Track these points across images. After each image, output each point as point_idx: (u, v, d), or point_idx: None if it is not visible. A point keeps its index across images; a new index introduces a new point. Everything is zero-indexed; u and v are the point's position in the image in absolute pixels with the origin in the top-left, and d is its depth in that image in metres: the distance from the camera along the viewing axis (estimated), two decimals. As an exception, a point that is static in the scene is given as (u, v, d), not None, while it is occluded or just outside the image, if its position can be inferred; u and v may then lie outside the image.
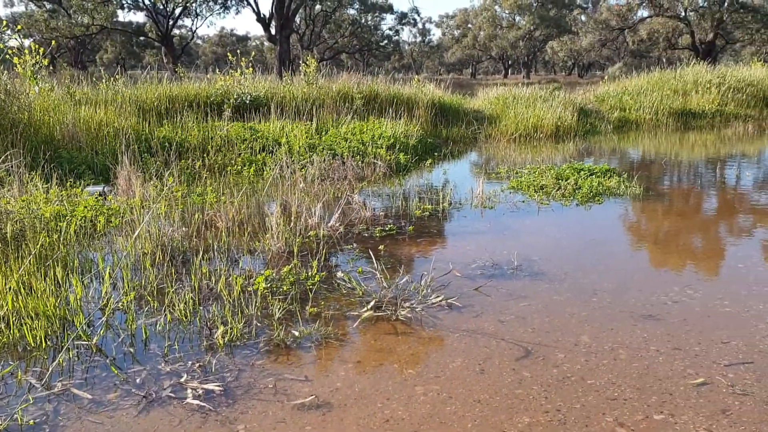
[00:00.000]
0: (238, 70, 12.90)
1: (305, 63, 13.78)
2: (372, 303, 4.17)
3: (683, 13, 43.79)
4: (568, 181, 8.24)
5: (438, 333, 3.85)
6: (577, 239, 6.03)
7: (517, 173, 9.23)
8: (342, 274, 4.66)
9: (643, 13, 47.90)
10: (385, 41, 60.48)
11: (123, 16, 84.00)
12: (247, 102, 12.04)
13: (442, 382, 3.25)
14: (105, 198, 6.94)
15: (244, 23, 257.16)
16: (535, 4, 57.47)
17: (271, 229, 5.43)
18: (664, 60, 56.96)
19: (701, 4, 43.32)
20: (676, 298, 4.38)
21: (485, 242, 5.85)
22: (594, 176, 8.60)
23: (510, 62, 71.45)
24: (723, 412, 2.92)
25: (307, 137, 10.25)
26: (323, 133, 10.67)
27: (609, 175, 8.76)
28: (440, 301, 4.30)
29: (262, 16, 38.17)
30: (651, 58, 60.30)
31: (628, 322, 3.96)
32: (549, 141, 13.62)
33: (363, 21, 55.70)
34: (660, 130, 15.89)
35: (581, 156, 11.59)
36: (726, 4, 42.32)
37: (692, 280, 4.79)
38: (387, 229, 6.18)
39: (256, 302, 4.14)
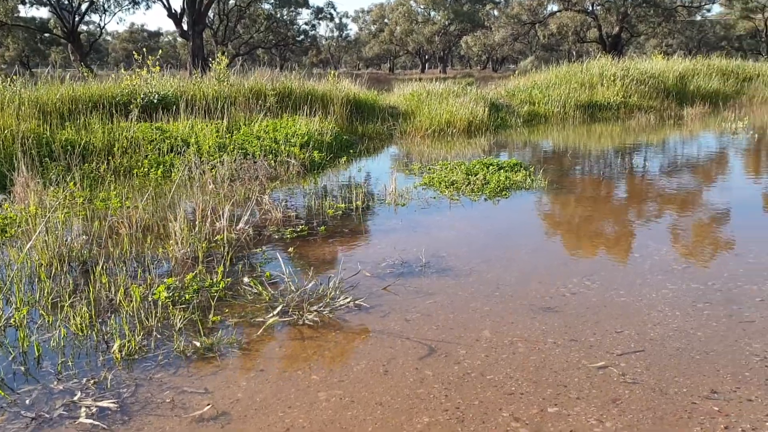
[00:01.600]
0: (145, 69, 12.51)
1: (216, 60, 13.50)
2: (279, 308, 4.13)
3: (590, 7, 45.38)
4: (478, 176, 8.40)
5: (344, 336, 3.86)
6: (483, 234, 6.16)
7: (429, 169, 9.34)
8: (249, 280, 4.60)
9: (553, 7, 49.41)
10: (302, 36, 60.05)
11: (25, 11, 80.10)
12: (155, 101, 11.69)
13: (346, 386, 3.25)
14: (0, 207, 6.60)
15: (156, 18, 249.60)
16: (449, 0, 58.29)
17: (175, 235, 5.30)
18: (574, 53, 58.88)
19: (608, -1, 45.00)
20: (574, 289, 4.54)
21: (396, 240, 5.89)
22: (502, 171, 8.80)
23: (427, 57, 72.23)
24: (613, 402, 3.05)
25: (217, 137, 10.05)
26: (235, 132, 10.49)
27: (516, 169, 8.98)
28: (348, 302, 4.30)
29: (173, 11, 37.20)
30: (561, 51, 62.21)
31: (528, 315, 4.08)
32: (462, 136, 13.85)
33: (279, 15, 55.07)
34: (568, 122, 16.42)
35: (492, 151, 11.85)
36: (631, -2, 44.11)
37: (591, 270, 4.97)
38: (298, 230, 6.14)
39: (156, 313, 4.03)
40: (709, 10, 64.44)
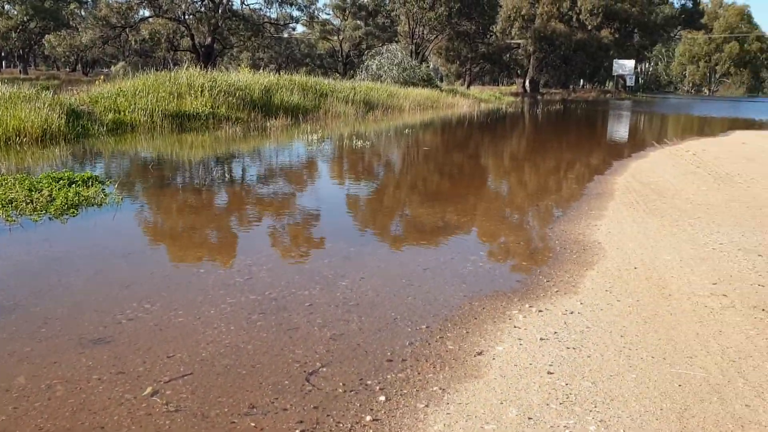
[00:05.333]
0: None
1: None
2: None
3: (182, 16, 45.41)
4: (43, 192, 7.57)
5: None
6: (39, 260, 5.50)
7: (-16, 186, 8.11)
8: None
9: (144, 12, 48.20)
10: None
11: None
12: None
13: None
14: None
15: None
16: (26, -7, 52.64)
17: None
18: (170, 61, 58.40)
19: (199, 9, 45.58)
20: (132, 314, 4.29)
21: None
22: (74, 185, 8.09)
23: (4, 54, 64.09)
24: (152, 436, 2.90)
25: None
26: None
27: (90, 183, 8.36)
28: None
29: None
30: (157, 58, 61.16)
31: (75, 351, 3.71)
32: (34, 146, 12.47)
33: None
34: (156, 132, 16.05)
35: (69, 163, 10.90)
36: (220, 10, 45.35)
37: (153, 291, 4.78)
38: None
39: None
40: (294, 29, 70.18)
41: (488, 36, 59.97)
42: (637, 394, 3.33)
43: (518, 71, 69.39)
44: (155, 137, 15.38)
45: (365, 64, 41.57)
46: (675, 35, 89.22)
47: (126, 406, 3.14)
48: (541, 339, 4.03)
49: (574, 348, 3.89)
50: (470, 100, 39.14)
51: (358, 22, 66.86)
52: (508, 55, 64.88)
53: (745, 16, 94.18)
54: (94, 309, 4.37)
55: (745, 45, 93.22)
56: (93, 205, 7.48)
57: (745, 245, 6.33)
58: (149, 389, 3.30)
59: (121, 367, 3.53)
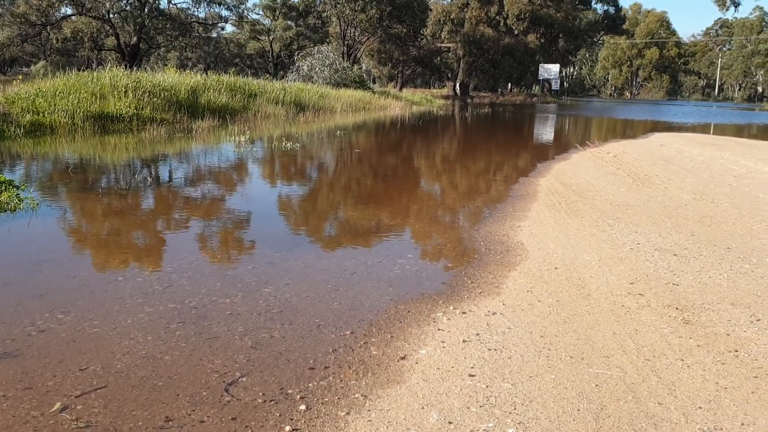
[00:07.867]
0: None
1: None
2: None
3: (107, 15, 43.98)
4: (-50, 198, 7.18)
5: None
6: (-56, 270, 5.21)
7: None
8: None
9: (67, 10, 46.47)
10: None
11: None
12: None
13: None
14: None
15: None
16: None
17: None
18: (94, 60, 56.57)
19: (124, 8, 44.24)
20: (43, 325, 4.10)
21: None
22: (-15, 190, 7.71)
23: None
24: (59, 455, 2.77)
25: None
26: None
27: (3, 187, 7.97)
28: None
29: None
30: (80, 57, 59.15)
31: (-21, 367, 3.51)
32: (-57, 148, 11.83)
33: None
34: (77, 134, 15.48)
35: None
36: (146, 9, 44.15)
37: (68, 300, 4.58)
38: None
39: None
40: (223, 29, 68.99)
41: (419, 39, 60.47)
42: (556, 395, 3.39)
43: (449, 74, 70.30)
44: (76, 139, 14.84)
45: (296, 64, 41.29)
46: (598, 40, 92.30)
47: (32, 423, 2.99)
48: (464, 341, 4.06)
49: (495, 349, 3.94)
50: (402, 102, 39.40)
51: (289, 22, 66.39)
52: (438, 59, 65.58)
53: (664, 23, 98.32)
54: (1, 321, 4.15)
55: (664, 51, 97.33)
56: (6, 211, 7.14)
57: (662, 245, 6.56)
58: (58, 405, 3.15)
59: (29, 383, 3.37)
